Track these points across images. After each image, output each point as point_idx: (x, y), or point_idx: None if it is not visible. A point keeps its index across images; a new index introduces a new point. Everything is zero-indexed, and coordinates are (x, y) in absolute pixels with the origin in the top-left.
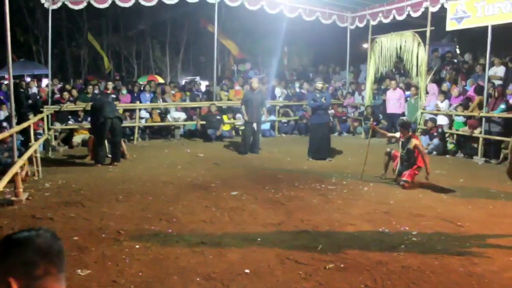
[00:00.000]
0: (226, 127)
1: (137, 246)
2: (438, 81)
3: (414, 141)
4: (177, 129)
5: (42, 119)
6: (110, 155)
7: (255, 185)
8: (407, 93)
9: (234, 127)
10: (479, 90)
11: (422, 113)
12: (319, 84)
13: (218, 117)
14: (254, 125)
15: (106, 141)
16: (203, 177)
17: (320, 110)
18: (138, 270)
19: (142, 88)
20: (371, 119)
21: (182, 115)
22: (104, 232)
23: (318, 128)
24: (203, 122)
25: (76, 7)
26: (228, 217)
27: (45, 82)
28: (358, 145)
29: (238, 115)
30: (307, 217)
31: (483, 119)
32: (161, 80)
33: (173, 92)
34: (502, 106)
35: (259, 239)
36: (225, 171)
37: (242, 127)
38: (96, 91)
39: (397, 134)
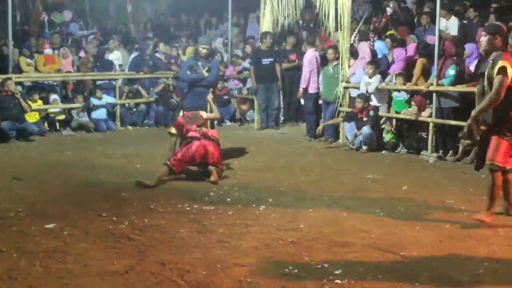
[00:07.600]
0: (32, 118)
1: None
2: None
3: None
4: None
5: None
6: None
7: (84, 212)
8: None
9: (48, 116)
10: (422, 49)
11: (345, 87)
12: (202, 49)
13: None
14: None
15: None
16: None
17: (199, 87)
18: None
19: None
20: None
21: None
22: None
23: None
24: None
25: None
26: (41, 267)
27: None
28: (250, 140)
29: (54, 97)
30: (170, 258)
31: (434, 95)
32: None
33: None
34: (451, 71)
35: None
36: (33, 191)
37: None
38: None
39: None
